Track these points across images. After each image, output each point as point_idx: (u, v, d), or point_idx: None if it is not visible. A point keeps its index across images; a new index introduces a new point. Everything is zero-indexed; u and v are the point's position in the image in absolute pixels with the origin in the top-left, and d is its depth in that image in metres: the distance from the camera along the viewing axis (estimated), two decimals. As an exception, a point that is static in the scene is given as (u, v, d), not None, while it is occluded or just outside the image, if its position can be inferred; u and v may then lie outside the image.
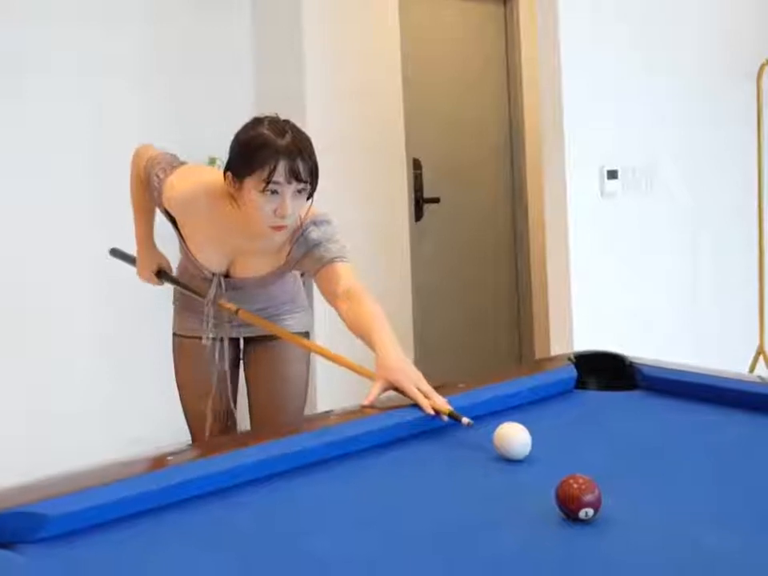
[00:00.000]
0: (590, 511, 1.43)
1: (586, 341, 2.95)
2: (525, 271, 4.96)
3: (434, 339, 4.59)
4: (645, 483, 1.61)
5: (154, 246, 2.51)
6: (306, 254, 2.17)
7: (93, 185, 3.64)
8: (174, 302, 2.54)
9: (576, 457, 1.72)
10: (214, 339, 2.42)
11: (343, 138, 4.00)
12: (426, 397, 1.87)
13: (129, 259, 2.62)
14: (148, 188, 2.29)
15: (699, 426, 1.91)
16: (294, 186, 2.02)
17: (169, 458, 1.68)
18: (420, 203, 4.61)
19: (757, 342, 3.63)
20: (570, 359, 2.19)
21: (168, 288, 2.58)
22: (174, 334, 2.51)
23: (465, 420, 1.82)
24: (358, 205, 4.29)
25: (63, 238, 3.67)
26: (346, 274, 2.15)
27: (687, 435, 1.87)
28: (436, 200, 4.65)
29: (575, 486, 1.43)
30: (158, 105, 3.78)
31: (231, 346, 2.46)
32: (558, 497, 1.45)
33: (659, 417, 1.99)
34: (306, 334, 2.47)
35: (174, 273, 2.55)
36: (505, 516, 1.49)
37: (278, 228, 2.06)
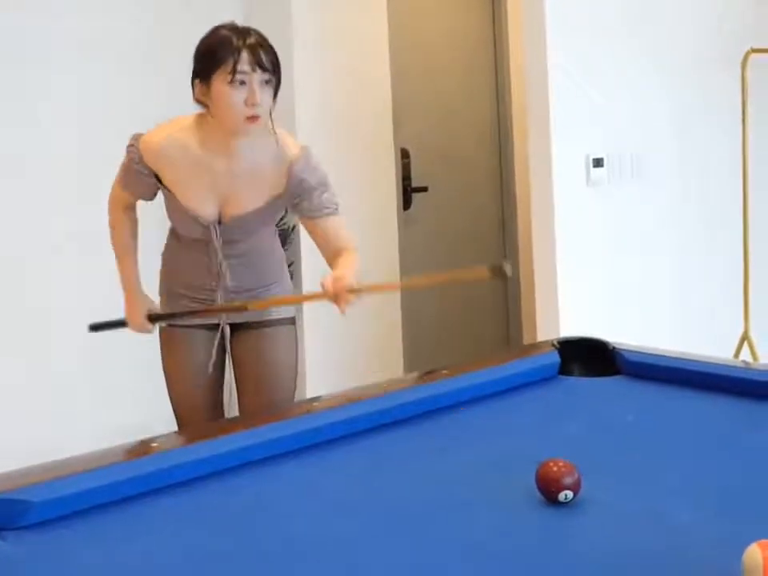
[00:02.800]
0: (570, 494, 1.45)
1: (573, 327, 2.97)
2: (512, 258, 4.97)
3: (422, 327, 4.60)
4: (625, 467, 1.64)
5: (141, 289, 2.45)
6: (303, 195, 2.24)
7: (85, 181, 3.64)
8: (160, 294, 2.49)
9: (557, 441, 1.74)
10: (202, 327, 2.41)
11: (331, 128, 4.01)
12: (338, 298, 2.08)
13: (113, 324, 2.49)
14: (132, 173, 2.30)
15: (681, 410, 1.94)
16: (260, 74, 2.11)
17: (154, 444, 1.69)
18: (408, 192, 4.61)
19: (741, 328, 3.65)
20: (553, 345, 2.21)
21: (154, 278, 2.53)
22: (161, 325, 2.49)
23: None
24: (346, 194, 4.27)
25: (47, 225, 3.67)
26: (341, 229, 2.33)
27: (668, 419, 1.89)
28: (424, 189, 4.66)
29: (555, 469, 1.46)
30: (150, 95, 3.77)
31: (219, 333, 2.43)
32: (538, 480, 1.47)
33: (641, 402, 2.01)
34: (293, 320, 2.48)
35: (162, 267, 2.49)
36: (485, 499, 1.51)
37: (252, 119, 2.12)
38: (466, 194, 4.87)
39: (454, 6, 4.84)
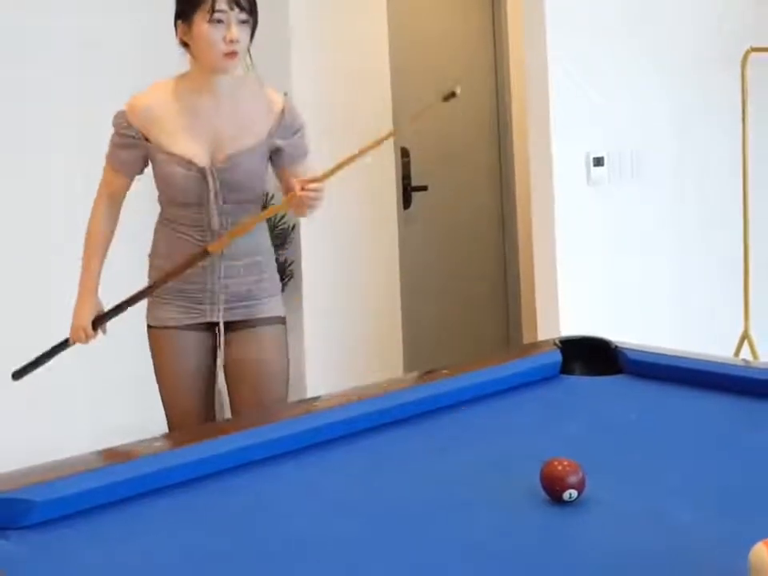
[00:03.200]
0: (574, 493, 1.45)
1: (573, 326, 2.96)
2: (512, 258, 4.97)
3: (423, 326, 4.60)
4: (627, 466, 1.63)
5: (97, 293, 2.45)
6: (290, 144, 2.38)
7: (90, 179, 3.64)
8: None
9: (560, 440, 1.74)
10: (192, 328, 2.40)
11: (331, 127, 4.00)
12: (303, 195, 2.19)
13: (37, 363, 2.51)
14: (120, 143, 2.34)
15: (682, 409, 1.93)
16: (237, 13, 2.24)
17: (156, 443, 1.69)
18: (408, 191, 4.61)
19: (742, 327, 3.65)
20: (555, 344, 2.20)
21: (141, 278, 2.48)
22: (150, 327, 2.44)
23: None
24: (346, 193, 4.29)
25: (47, 225, 3.68)
26: (310, 169, 2.39)
27: (670, 418, 1.89)
28: (424, 188, 4.66)
29: (560, 467, 1.45)
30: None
31: (209, 335, 2.42)
32: (542, 478, 1.46)
33: (643, 401, 2.00)
34: (283, 320, 2.47)
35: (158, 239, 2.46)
36: (486, 498, 1.51)
37: (231, 55, 2.24)
38: (466, 193, 4.87)
39: (453, 6, 4.85)
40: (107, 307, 2.47)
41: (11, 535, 1.40)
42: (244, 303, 2.39)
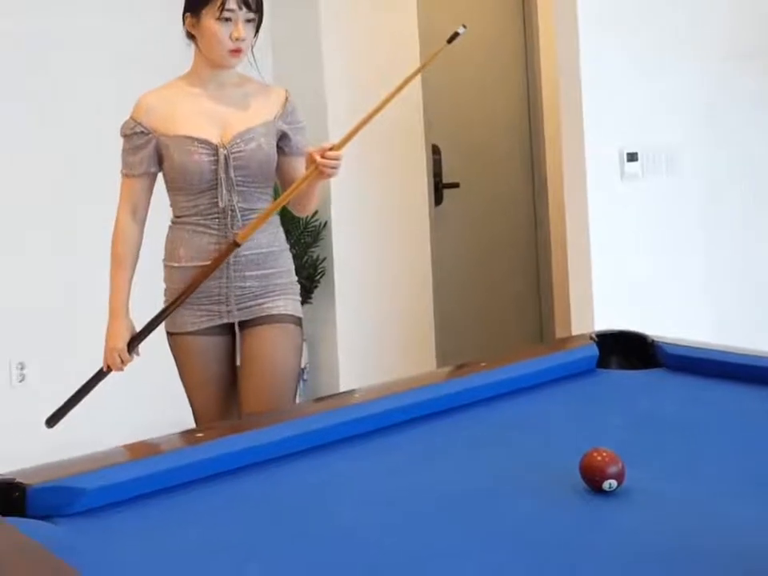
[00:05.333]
0: (614, 483, 1.45)
1: (608, 320, 2.96)
2: (545, 253, 4.96)
3: (455, 321, 4.61)
4: (668, 458, 1.63)
5: (128, 311, 2.40)
6: (293, 129, 2.43)
7: (106, 174, 3.68)
8: (165, 302, 2.43)
9: (599, 433, 1.74)
10: (211, 332, 2.39)
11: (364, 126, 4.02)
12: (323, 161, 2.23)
13: (72, 403, 2.43)
14: (132, 144, 2.36)
15: (721, 402, 1.93)
16: (245, 12, 2.32)
17: (199, 434, 1.71)
18: (439, 188, 4.62)
19: (777, 323, 3.62)
20: (591, 338, 2.20)
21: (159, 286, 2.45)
22: (169, 333, 2.43)
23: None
24: (378, 191, 4.31)
25: (72, 225, 3.72)
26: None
27: (709, 412, 1.88)
28: (455, 185, 4.67)
29: (599, 458, 1.46)
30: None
31: (229, 338, 2.41)
32: (582, 468, 1.47)
33: (681, 394, 2.00)
34: (298, 320, 2.43)
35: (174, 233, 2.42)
36: (527, 488, 1.52)
37: (236, 52, 2.33)
38: (498, 190, 4.87)
39: (484, 1, 4.84)
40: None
41: (61, 522, 1.43)
42: (256, 302, 2.38)
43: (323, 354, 4.21)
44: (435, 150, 4.58)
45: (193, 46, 2.40)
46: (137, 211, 2.41)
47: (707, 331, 3.48)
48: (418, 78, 4.31)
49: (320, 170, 2.25)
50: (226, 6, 2.29)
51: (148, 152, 2.36)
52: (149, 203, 2.43)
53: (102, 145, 3.69)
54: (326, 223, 4.19)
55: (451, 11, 4.61)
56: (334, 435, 1.75)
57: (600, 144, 3.41)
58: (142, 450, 1.65)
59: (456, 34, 2.30)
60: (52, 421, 2.46)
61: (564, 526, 1.39)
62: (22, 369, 3.67)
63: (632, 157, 3.46)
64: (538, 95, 4.91)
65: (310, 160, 2.26)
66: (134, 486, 1.52)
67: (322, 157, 2.24)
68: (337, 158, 2.25)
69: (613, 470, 1.45)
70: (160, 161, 2.38)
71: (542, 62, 4.87)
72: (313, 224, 4.14)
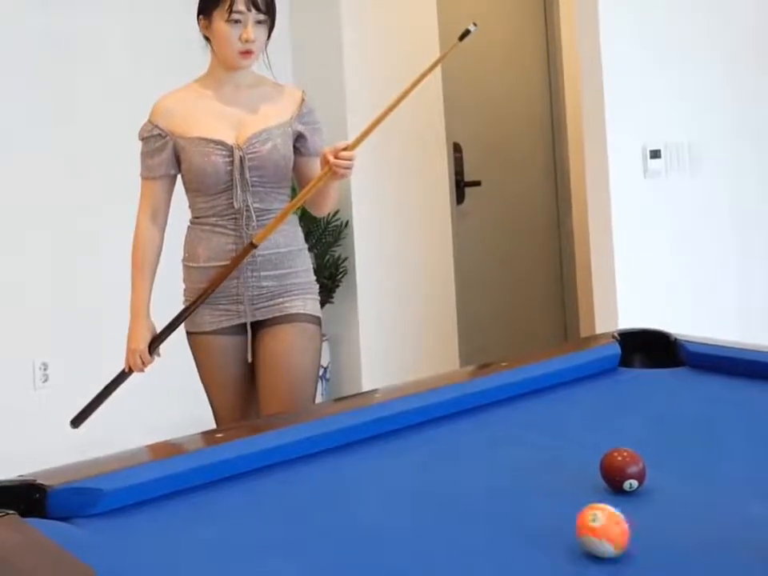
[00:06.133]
0: (635, 483, 1.44)
1: (631, 319, 2.94)
2: (568, 251, 4.94)
3: (478, 320, 4.60)
4: (690, 458, 1.61)
5: (149, 314, 2.42)
6: (310, 129, 2.43)
7: (130, 174, 3.70)
8: (184, 302, 2.44)
9: (621, 432, 1.73)
10: (230, 331, 2.39)
11: (384, 123, 4.01)
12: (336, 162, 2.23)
13: (95, 404, 2.45)
14: (150, 147, 2.38)
15: (745, 402, 1.90)
16: (254, 14, 2.32)
17: (219, 434, 1.71)
18: (461, 186, 4.61)
19: (804, 321, 3.58)
20: (614, 337, 2.19)
21: (178, 286, 2.47)
22: (188, 333, 2.44)
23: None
24: (400, 189, 4.31)
25: (99, 225, 3.75)
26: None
27: (733, 411, 1.86)
28: (477, 183, 4.65)
29: (620, 458, 1.45)
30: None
31: (243, 339, 2.40)
32: (602, 468, 1.46)
33: (705, 393, 1.98)
34: (316, 320, 2.42)
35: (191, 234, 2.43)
36: (548, 487, 1.51)
37: (246, 53, 2.34)
38: (520, 188, 4.85)
39: (505, -1, 4.83)
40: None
41: (81, 523, 1.44)
42: (273, 301, 2.38)
43: (345, 354, 4.21)
44: (456, 148, 4.57)
45: (209, 48, 2.42)
46: (157, 214, 2.43)
47: (732, 330, 3.45)
48: (439, 75, 4.31)
49: (333, 171, 2.25)
50: (234, 8, 2.30)
51: (166, 154, 2.37)
52: (169, 206, 2.44)
53: (125, 146, 3.74)
54: (347, 222, 4.19)
55: (471, 9, 4.60)
56: (355, 435, 1.75)
57: (622, 141, 3.39)
58: (161, 451, 1.65)
59: (467, 32, 2.29)
60: (77, 421, 2.49)
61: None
62: (45, 369, 3.70)
63: (655, 154, 3.43)
64: (559, 92, 4.89)
65: (324, 160, 2.26)
66: (154, 487, 1.52)
67: (336, 157, 2.23)
68: (350, 158, 2.24)
69: (633, 469, 1.44)
70: (178, 163, 2.40)
71: (564, 57, 4.85)
72: (334, 223, 4.15)
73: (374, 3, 4.24)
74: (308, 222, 3.83)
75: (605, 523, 1.25)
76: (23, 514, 1.39)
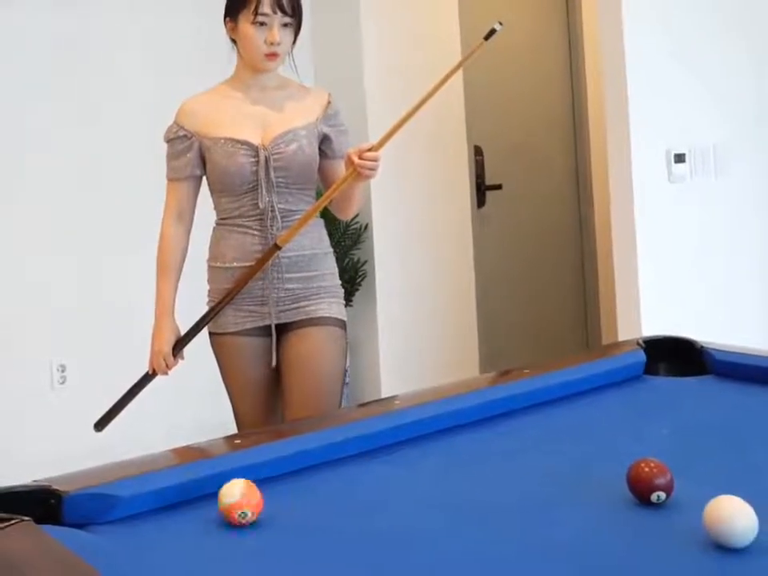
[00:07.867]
0: (662, 495, 1.41)
1: (655, 326, 2.90)
2: (590, 256, 4.90)
3: (498, 325, 4.56)
4: (717, 468, 1.59)
5: (173, 316, 2.41)
6: (335, 132, 2.43)
7: (154, 175, 3.70)
8: (208, 303, 2.43)
9: (647, 442, 1.70)
10: (253, 333, 2.37)
11: (404, 126, 3.99)
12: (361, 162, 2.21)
13: (116, 409, 2.44)
14: (175, 148, 2.38)
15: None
16: (280, 17, 2.32)
17: (236, 441, 1.69)
18: (482, 190, 4.58)
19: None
20: (638, 344, 2.16)
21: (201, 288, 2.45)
22: (211, 334, 2.42)
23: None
24: (420, 193, 4.29)
25: (123, 224, 3.74)
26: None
27: (761, 421, 1.83)
28: (498, 187, 4.62)
29: (647, 469, 1.42)
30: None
31: (271, 341, 2.38)
32: (629, 480, 1.43)
33: (731, 402, 1.95)
34: (341, 323, 2.41)
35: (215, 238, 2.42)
36: (572, 498, 1.48)
37: (271, 56, 2.33)
38: (542, 192, 4.82)
39: (526, 1, 4.79)
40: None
41: (98, 529, 1.42)
42: (298, 304, 2.36)
43: (364, 358, 4.19)
44: (478, 152, 4.54)
45: (235, 50, 2.41)
46: (182, 216, 2.42)
47: (759, 338, 3.40)
48: (460, 78, 4.29)
49: (358, 171, 2.23)
50: (260, 11, 2.30)
51: (191, 155, 2.37)
52: (194, 207, 2.43)
53: (149, 146, 3.74)
54: (366, 225, 4.17)
55: (493, 10, 4.57)
56: (377, 442, 1.73)
57: (646, 145, 3.35)
58: (181, 456, 1.63)
59: (493, 31, 2.27)
60: (101, 425, 2.48)
61: (610, 539, 1.34)
62: (63, 371, 3.70)
63: (680, 158, 3.39)
64: (582, 95, 4.85)
65: (349, 161, 2.25)
66: (172, 494, 1.50)
67: (360, 158, 2.22)
68: (375, 159, 2.22)
69: (661, 481, 1.41)
70: (204, 164, 2.39)
71: (587, 60, 4.81)
72: (353, 226, 4.12)
73: (394, 4, 4.22)
74: (328, 224, 3.77)
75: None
76: (38, 521, 1.37)
